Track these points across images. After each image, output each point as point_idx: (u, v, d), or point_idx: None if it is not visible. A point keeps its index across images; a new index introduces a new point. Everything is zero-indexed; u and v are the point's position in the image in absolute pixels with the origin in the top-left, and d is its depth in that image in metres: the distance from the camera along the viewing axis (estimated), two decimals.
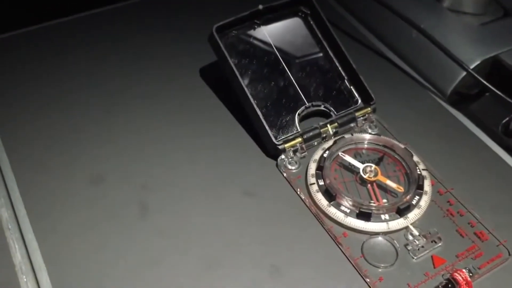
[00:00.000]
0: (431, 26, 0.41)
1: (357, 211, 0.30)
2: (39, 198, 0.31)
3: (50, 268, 0.28)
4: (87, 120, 0.36)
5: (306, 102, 0.36)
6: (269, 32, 0.37)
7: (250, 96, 0.34)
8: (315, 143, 0.35)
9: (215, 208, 0.31)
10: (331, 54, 0.38)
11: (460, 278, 0.27)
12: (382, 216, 0.30)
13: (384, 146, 0.34)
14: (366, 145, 0.34)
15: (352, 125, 0.36)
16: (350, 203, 0.30)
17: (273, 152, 0.34)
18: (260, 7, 0.36)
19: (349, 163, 0.33)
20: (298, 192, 0.32)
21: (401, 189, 0.31)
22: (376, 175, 0.32)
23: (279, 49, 0.37)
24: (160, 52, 0.42)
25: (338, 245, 0.30)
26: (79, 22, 0.46)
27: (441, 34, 0.40)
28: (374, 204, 0.30)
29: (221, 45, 0.35)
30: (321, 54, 0.38)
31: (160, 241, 0.30)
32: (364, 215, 0.30)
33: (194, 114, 0.37)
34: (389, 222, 0.30)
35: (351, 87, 0.37)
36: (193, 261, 0.29)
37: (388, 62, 0.42)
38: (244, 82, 0.34)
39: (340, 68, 0.37)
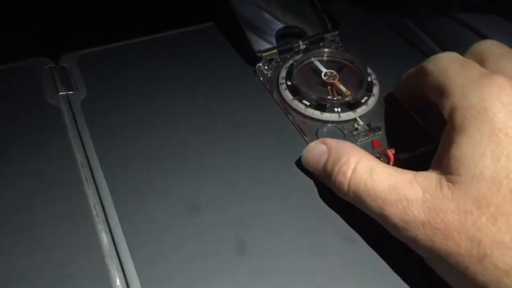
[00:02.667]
0: None
1: (315, 104, 0.37)
2: (137, 225, 0.30)
3: None
4: (186, 148, 0.35)
5: (284, 23, 0.43)
6: None
7: (237, 14, 0.41)
8: (288, 56, 0.42)
9: (313, 251, 0.30)
10: None
11: (390, 153, 0.34)
12: (335, 109, 0.37)
13: (344, 59, 0.41)
14: (330, 58, 0.41)
15: (321, 44, 0.43)
16: (310, 97, 0.37)
17: (252, 59, 0.41)
18: None
19: (316, 67, 0.40)
20: (270, 91, 0.39)
21: (348, 93, 0.38)
22: (334, 78, 0.39)
23: None
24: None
25: (298, 130, 0.37)
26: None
27: None
28: (330, 98, 0.37)
29: None
30: None
31: (258, 282, 0.28)
32: (321, 107, 0.37)
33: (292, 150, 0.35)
34: (341, 114, 0.37)
35: (323, 15, 0.44)
36: None
37: None
38: (233, 3, 0.41)
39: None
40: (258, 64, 0.41)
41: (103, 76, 0.40)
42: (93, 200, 0.31)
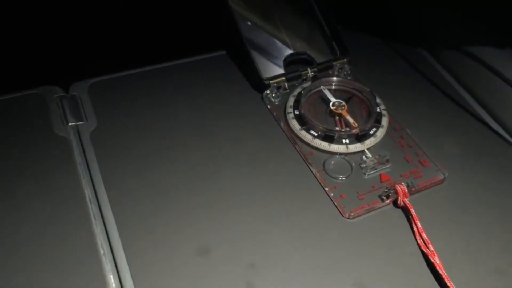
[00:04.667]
0: None
1: (323, 135, 0.36)
2: (145, 267, 0.30)
3: None
4: (195, 183, 0.34)
5: (292, 50, 0.43)
6: None
7: (245, 40, 0.41)
8: (296, 84, 0.41)
9: None
10: (319, 13, 0.44)
11: (399, 189, 0.34)
12: (343, 140, 0.36)
13: (354, 88, 0.40)
14: (338, 86, 0.40)
15: (329, 72, 0.42)
16: (318, 128, 0.37)
17: (260, 87, 0.40)
18: None
19: (325, 96, 0.39)
20: (277, 120, 0.39)
21: (356, 124, 0.37)
22: (342, 109, 0.38)
23: (277, 4, 0.44)
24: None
25: (305, 161, 0.36)
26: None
27: None
28: (338, 129, 0.37)
29: None
30: (311, 13, 0.44)
31: None
32: (328, 138, 0.36)
33: (300, 184, 0.35)
34: (349, 145, 0.36)
35: (333, 41, 0.44)
36: None
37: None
38: (242, 29, 0.41)
39: (324, 25, 0.44)
40: (265, 92, 0.40)
41: (113, 105, 0.39)
42: (100, 239, 0.31)
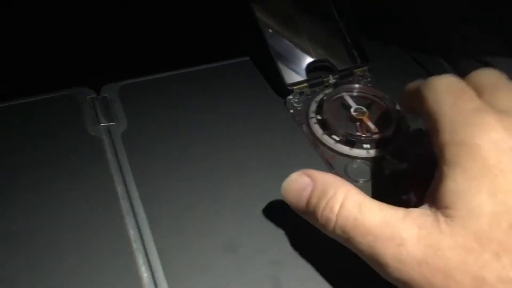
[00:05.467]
0: None
1: (345, 139, 0.38)
2: (176, 259, 0.31)
3: None
4: (223, 183, 0.36)
5: (314, 57, 0.44)
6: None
7: (270, 48, 0.42)
8: (318, 90, 0.43)
9: None
10: (340, 22, 0.46)
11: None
12: (364, 145, 0.38)
13: (374, 95, 0.42)
14: (359, 93, 0.42)
15: (350, 79, 0.44)
16: (340, 132, 0.38)
17: (283, 92, 0.42)
18: None
19: (346, 102, 0.41)
20: (300, 124, 0.40)
21: (376, 130, 0.39)
22: (363, 115, 0.40)
23: (299, 13, 0.45)
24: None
25: (326, 164, 0.37)
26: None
27: None
28: (358, 134, 0.38)
29: (251, 2, 0.43)
30: (333, 21, 0.46)
31: None
32: (350, 143, 0.38)
33: None
34: (369, 150, 0.38)
35: (353, 49, 0.45)
36: None
37: None
38: (266, 37, 0.43)
39: (345, 34, 0.45)
40: (288, 97, 0.42)
41: (143, 107, 0.41)
42: (133, 234, 0.32)
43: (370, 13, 0.51)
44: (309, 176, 0.29)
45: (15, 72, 0.45)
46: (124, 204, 0.34)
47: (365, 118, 0.39)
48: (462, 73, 0.47)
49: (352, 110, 0.40)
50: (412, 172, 0.37)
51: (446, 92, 0.28)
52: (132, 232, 0.32)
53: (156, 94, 0.42)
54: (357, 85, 0.42)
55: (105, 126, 0.39)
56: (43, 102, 0.40)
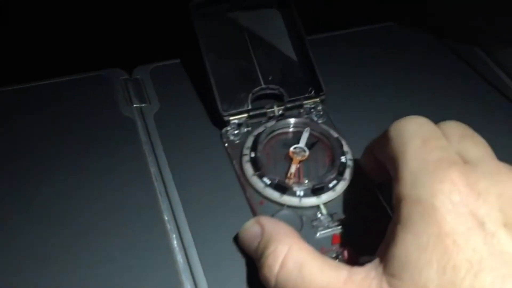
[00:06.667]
0: None
1: (275, 184, 0.33)
2: (209, 240, 0.31)
3: None
4: None
5: (262, 84, 0.39)
6: (244, 16, 0.41)
7: (209, 69, 0.37)
8: (262, 122, 0.38)
9: None
10: (295, 46, 0.41)
11: (346, 254, 0.30)
12: (297, 192, 0.33)
13: (320, 133, 0.37)
14: (304, 129, 0.37)
15: (301, 110, 0.39)
16: (271, 175, 0.33)
17: (218, 122, 0.37)
18: None
19: (288, 139, 0.36)
20: (233, 162, 0.35)
21: (309, 178, 0.34)
22: (302, 156, 0.35)
23: (249, 33, 0.40)
24: None
25: (252, 212, 0.33)
26: None
27: None
28: (292, 180, 0.33)
29: (193, 19, 0.38)
30: (286, 44, 0.41)
31: None
32: (281, 188, 0.33)
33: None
34: (302, 199, 0.33)
35: (307, 77, 0.40)
36: None
37: None
38: (207, 56, 0.38)
39: (300, 59, 0.40)
40: (224, 129, 0.37)
41: (174, 89, 0.41)
42: (167, 215, 0.32)
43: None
44: (260, 225, 0.29)
45: (51, 52, 0.47)
46: (158, 186, 0.34)
47: (303, 160, 0.34)
48: (497, 63, 0.43)
49: (291, 149, 0.35)
50: (347, 229, 0.32)
51: (413, 135, 0.26)
52: (166, 213, 0.32)
53: (187, 76, 0.42)
54: (302, 119, 0.37)
55: (138, 107, 0.39)
56: (76, 82, 0.41)
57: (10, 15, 0.49)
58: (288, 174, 0.34)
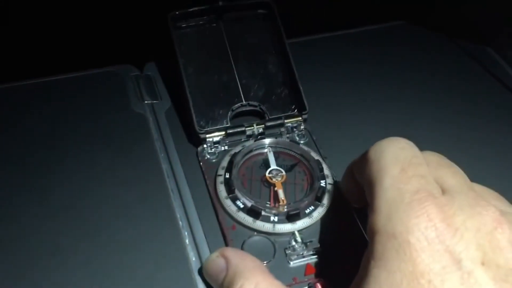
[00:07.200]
0: None
1: (248, 208, 0.31)
2: (221, 237, 0.31)
3: None
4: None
5: (243, 100, 0.38)
6: (226, 29, 0.39)
7: (186, 83, 0.36)
8: (242, 140, 0.36)
9: None
10: (279, 61, 0.39)
11: (320, 287, 0.28)
12: (271, 218, 0.31)
13: (300, 154, 0.35)
14: (284, 150, 0.35)
15: (282, 129, 0.37)
16: (245, 199, 0.31)
17: (195, 140, 0.36)
18: (220, 3, 0.38)
19: (266, 160, 0.34)
20: (207, 182, 0.34)
21: (284, 202, 0.32)
22: (278, 179, 0.33)
23: (231, 46, 0.39)
24: None
25: (223, 237, 0.31)
26: None
27: None
28: (267, 205, 0.32)
29: (172, 32, 0.37)
30: (270, 59, 0.39)
31: None
32: (254, 213, 0.31)
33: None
34: (276, 225, 0.31)
35: (290, 95, 0.38)
36: None
37: None
38: (184, 69, 0.36)
39: (283, 75, 0.39)
40: (200, 147, 0.35)
41: None
42: (179, 212, 0.32)
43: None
44: (225, 258, 0.27)
45: (63, 48, 0.47)
46: (170, 184, 0.33)
47: (278, 184, 0.33)
48: (509, 63, 0.42)
49: (267, 172, 0.33)
50: (322, 259, 0.30)
51: (393, 160, 0.25)
52: (178, 210, 0.32)
53: None
54: (282, 139, 0.35)
55: (149, 103, 0.39)
56: (88, 78, 0.41)
57: (25, 12, 0.49)
58: (271, 201, 0.32)
